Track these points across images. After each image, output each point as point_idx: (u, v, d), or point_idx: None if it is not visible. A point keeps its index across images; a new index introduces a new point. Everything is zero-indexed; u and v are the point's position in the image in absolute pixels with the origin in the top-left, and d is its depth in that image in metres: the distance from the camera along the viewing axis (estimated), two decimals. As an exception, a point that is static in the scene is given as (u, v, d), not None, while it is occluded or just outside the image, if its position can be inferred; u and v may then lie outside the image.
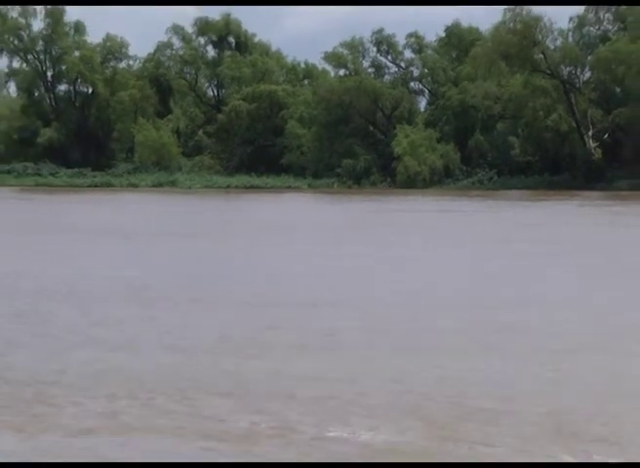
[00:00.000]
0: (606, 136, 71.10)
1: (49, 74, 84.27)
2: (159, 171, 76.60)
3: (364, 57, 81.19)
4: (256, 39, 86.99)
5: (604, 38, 73.40)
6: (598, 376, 12.19)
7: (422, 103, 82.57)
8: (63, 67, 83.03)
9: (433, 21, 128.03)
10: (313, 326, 15.70)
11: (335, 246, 29.75)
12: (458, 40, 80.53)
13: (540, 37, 72.29)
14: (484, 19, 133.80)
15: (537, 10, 72.86)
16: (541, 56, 72.39)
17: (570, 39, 74.62)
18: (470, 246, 30.44)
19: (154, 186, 72.48)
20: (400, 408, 10.57)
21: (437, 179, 70.67)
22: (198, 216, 46.96)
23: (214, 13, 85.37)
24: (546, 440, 9.46)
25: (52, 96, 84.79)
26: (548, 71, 72.16)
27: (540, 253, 27.40)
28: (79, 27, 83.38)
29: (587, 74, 74.60)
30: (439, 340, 14.36)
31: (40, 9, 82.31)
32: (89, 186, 72.36)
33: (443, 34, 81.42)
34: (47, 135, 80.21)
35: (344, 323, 15.93)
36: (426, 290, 20.26)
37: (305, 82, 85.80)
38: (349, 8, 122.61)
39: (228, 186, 72.08)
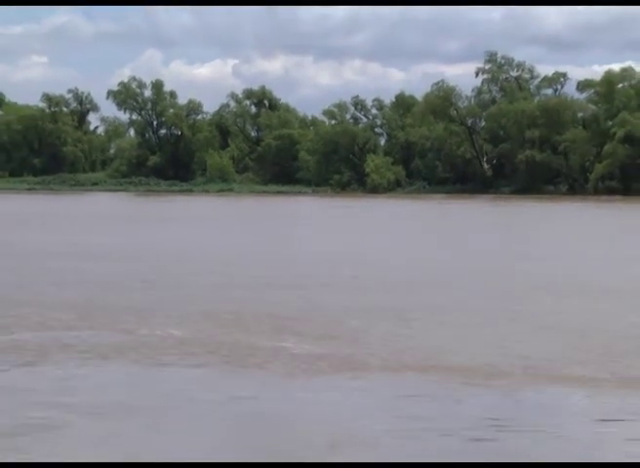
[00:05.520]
0: (494, 161, 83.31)
1: (154, 123, 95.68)
2: (222, 182, 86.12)
3: (347, 112, 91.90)
4: (281, 101, 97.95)
5: (493, 101, 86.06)
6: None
7: (382, 141, 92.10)
8: (163, 119, 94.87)
9: (388, 90, 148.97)
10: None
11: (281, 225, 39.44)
12: (403, 103, 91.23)
13: (454, 100, 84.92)
14: (421, 87, 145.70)
15: (452, 83, 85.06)
16: (455, 112, 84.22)
17: (472, 101, 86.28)
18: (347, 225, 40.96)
19: (218, 192, 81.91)
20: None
21: (392, 188, 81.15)
22: (249, 209, 60.31)
23: (255, 85, 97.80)
24: (271, 333, 12.31)
25: (156, 136, 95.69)
26: (459, 121, 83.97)
27: (397, 231, 35.44)
28: (173, 94, 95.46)
29: (483, 123, 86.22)
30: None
31: (149, 83, 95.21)
32: (179, 191, 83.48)
33: (394, 99, 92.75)
34: (153, 160, 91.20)
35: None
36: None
37: (311, 128, 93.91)
38: (338, 84, 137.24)
39: (264, 192, 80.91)
